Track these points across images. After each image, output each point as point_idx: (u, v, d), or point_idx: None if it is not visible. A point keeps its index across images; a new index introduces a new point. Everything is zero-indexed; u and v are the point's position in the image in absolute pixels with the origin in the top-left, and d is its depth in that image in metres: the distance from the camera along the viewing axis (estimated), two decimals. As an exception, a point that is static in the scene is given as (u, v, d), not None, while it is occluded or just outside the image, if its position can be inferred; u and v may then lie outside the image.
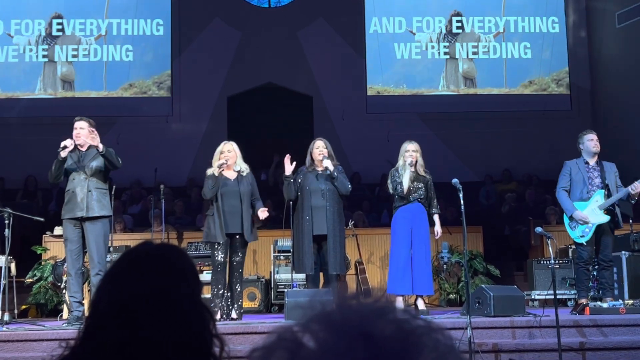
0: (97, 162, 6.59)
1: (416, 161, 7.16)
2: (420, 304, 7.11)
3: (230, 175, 6.98)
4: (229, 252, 6.93)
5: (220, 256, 6.80)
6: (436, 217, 7.25)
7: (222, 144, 7.10)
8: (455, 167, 12.67)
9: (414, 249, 7.04)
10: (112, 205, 7.00)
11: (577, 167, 6.97)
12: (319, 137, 7.57)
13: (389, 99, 14.43)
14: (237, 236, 6.88)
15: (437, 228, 7.24)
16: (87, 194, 6.48)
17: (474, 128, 13.97)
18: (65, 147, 6.45)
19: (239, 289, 6.98)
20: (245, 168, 7.05)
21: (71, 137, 6.61)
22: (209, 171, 6.96)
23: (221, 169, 6.89)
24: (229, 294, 6.92)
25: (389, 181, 7.27)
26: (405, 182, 7.05)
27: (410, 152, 7.15)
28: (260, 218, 6.96)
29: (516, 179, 13.58)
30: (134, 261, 1.52)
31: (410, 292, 7.02)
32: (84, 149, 6.64)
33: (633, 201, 6.94)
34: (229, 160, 6.92)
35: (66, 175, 6.60)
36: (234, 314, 6.84)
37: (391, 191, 7.25)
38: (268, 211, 7.05)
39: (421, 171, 7.19)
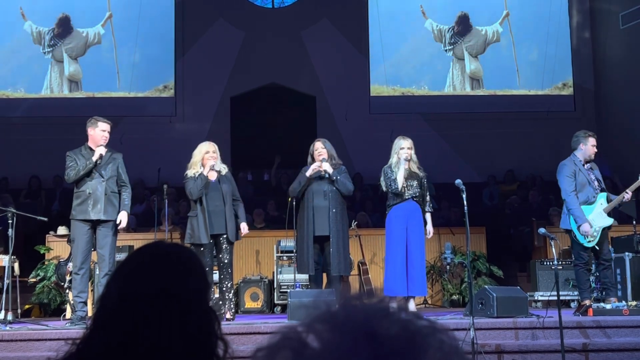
0: (113, 166, 6.63)
1: (410, 158, 7.08)
2: (412, 305, 7.01)
3: (212, 175, 6.95)
4: (216, 253, 6.92)
5: (206, 259, 6.75)
6: (428, 216, 7.12)
7: (205, 144, 7.01)
8: (458, 167, 12.65)
9: (409, 248, 6.96)
10: None
11: (578, 169, 6.91)
12: (321, 137, 7.56)
13: (393, 99, 14.43)
14: (222, 237, 6.86)
15: (429, 228, 7.10)
16: (104, 197, 6.51)
17: (478, 129, 13.96)
18: (101, 155, 6.51)
19: (228, 290, 6.94)
20: (224, 167, 7.03)
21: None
22: (190, 172, 6.90)
23: (212, 169, 6.84)
24: (219, 294, 6.92)
25: (381, 179, 7.18)
26: (400, 179, 6.97)
27: (405, 150, 7.06)
28: (242, 234, 6.98)
29: (520, 179, 13.56)
30: (144, 259, 1.52)
31: (405, 294, 6.93)
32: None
33: (619, 207, 6.98)
34: (216, 161, 6.89)
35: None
36: (228, 315, 6.81)
37: (384, 189, 7.15)
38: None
39: (414, 168, 7.09)
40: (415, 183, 7.06)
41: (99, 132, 6.63)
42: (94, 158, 6.52)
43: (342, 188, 7.08)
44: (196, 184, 6.82)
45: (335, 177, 7.02)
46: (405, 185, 7.01)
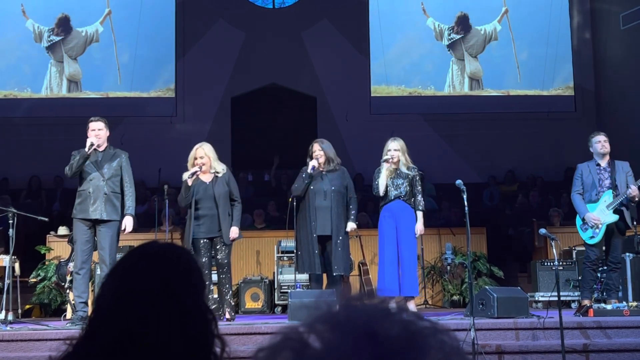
0: (116, 165, 6.63)
1: (398, 160, 6.99)
2: (412, 306, 6.95)
3: (206, 178, 6.92)
4: (214, 254, 6.92)
5: (202, 260, 6.73)
6: (419, 214, 7.01)
7: (194, 149, 6.95)
8: (459, 168, 12.66)
9: (400, 248, 6.92)
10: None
11: (588, 170, 6.98)
12: (321, 138, 7.54)
13: (393, 99, 14.43)
14: (218, 238, 6.84)
15: (418, 225, 6.96)
16: (103, 197, 6.51)
17: (478, 129, 13.96)
18: (92, 144, 6.50)
19: (227, 290, 6.94)
20: (221, 169, 6.96)
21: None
22: (185, 175, 6.89)
23: (193, 178, 6.79)
24: (218, 295, 6.93)
25: (373, 181, 7.17)
26: (382, 181, 6.94)
27: (392, 152, 7.01)
28: (231, 239, 6.86)
29: (520, 180, 13.56)
30: (140, 258, 1.52)
31: (398, 294, 6.86)
32: (101, 150, 6.67)
33: (633, 204, 6.94)
34: (202, 166, 6.83)
35: (80, 174, 6.62)
36: (227, 315, 6.81)
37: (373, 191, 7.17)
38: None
39: (404, 168, 7.02)
40: (401, 182, 6.98)
41: (90, 132, 6.65)
42: (86, 149, 6.51)
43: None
44: (181, 193, 6.87)
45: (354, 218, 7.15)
46: (391, 185, 6.97)
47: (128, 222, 6.60)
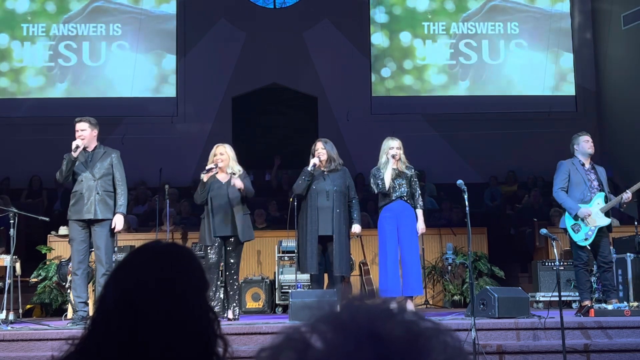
0: (107, 164, 6.62)
1: (399, 158, 7.01)
2: (410, 306, 6.91)
3: (223, 177, 6.96)
4: (224, 253, 6.93)
5: (212, 257, 6.79)
6: (419, 213, 7.01)
7: (215, 147, 7.05)
8: (459, 168, 12.66)
9: (402, 248, 6.91)
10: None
11: (575, 168, 6.88)
12: (322, 137, 7.53)
13: (394, 100, 14.42)
14: (231, 238, 6.86)
15: (420, 224, 6.97)
16: (95, 197, 6.50)
17: (479, 129, 13.95)
18: (77, 146, 6.48)
19: (234, 290, 6.96)
20: (238, 170, 7.00)
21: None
22: (203, 174, 6.94)
23: (210, 174, 6.84)
24: (224, 295, 6.95)
25: (371, 180, 7.13)
26: (387, 179, 6.92)
27: (394, 150, 7.01)
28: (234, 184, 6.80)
29: (521, 180, 13.55)
30: (142, 258, 1.52)
31: (400, 294, 6.85)
32: (90, 150, 6.65)
33: (622, 209, 6.92)
34: (220, 163, 6.88)
35: (73, 176, 6.61)
36: (230, 315, 6.82)
37: (375, 190, 7.12)
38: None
39: (403, 167, 7.03)
40: (403, 182, 6.99)
41: (76, 134, 6.64)
42: (72, 153, 6.50)
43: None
44: (197, 190, 6.91)
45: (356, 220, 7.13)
46: (393, 185, 6.97)
47: (118, 221, 6.59)
